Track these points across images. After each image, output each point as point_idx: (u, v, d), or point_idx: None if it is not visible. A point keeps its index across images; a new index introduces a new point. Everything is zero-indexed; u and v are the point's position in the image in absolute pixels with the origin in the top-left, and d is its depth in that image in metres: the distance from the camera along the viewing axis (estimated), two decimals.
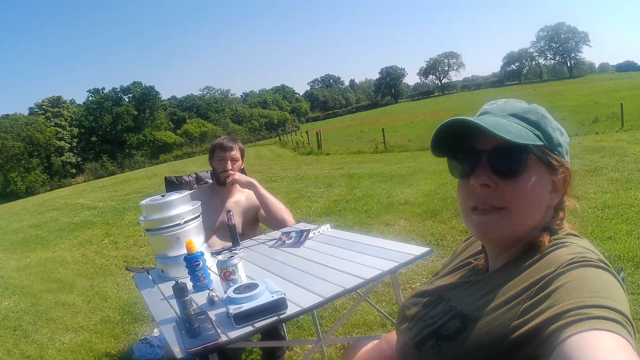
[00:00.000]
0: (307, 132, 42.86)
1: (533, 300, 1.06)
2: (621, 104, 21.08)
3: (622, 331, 0.90)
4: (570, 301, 0.98)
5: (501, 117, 1.26)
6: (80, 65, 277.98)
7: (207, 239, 3.37)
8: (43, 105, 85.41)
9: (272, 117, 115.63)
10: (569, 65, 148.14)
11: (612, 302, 0.96)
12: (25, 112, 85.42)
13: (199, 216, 3.05)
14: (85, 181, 65.51)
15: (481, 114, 1.33)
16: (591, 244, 1.24)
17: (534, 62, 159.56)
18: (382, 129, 29.82)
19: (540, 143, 1.21)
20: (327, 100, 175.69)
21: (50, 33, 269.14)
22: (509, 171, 1.21)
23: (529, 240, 1.25)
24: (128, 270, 4.66)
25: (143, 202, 2.99)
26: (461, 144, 1.29)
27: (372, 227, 7.75)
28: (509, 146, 1.17)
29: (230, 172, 3.86)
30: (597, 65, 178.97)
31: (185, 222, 2.91)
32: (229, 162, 3.87)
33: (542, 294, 1.05)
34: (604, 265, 1.10)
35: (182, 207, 2.94)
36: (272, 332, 3.69)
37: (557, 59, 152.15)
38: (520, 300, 1.10)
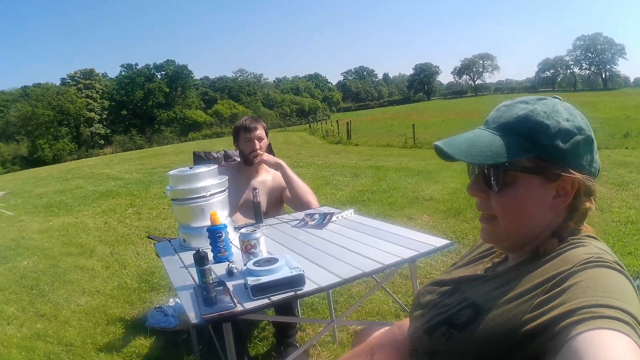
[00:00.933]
0: (337, 121, 42.91)
1: (547, 295, 1.07)
2: None
3: (633, 334, 0.90)
4: (583, 299, 0.98)
5: (489, 130, 1.27)
6: (114, 40, 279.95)
7: (231, 215, 3.38)
8: (75, 76, 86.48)
9: (303, 104, 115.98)
10: (603, 76, 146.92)
11: (625, 304, 0.96)
12: (57, 82, 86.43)
13: (224, 190, 3.08)
14: (112, 153, 66.06)
15: (487, 120, 1.34)
16: (608, 246, 1.24)
17: (568, 71, 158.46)
18: (413, 124, 29.78)
19: (527, 155, 1.21)
20: (360, 92, 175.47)
21: (86, 5, 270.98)
22: (495, 185, 1.25)
23: (538, 245, 1.26)
24: (149, 238, 4.70)
25: (171, 172, 3.03)
26: None
27: (395, 219, 7.72)
28: (489, 163, 1.22)
29: (258, 152, 3.88)
30: (632, 79, 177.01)
31: (210, 195, 2.94)
32: (255, 141, 3.88)
33: (557, 289, 1.06)
34: (619, 267, 1.11)
35: (209, 180, 2.97)
36: (286, 310, 3.72)
37: (592, 70, 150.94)
38: (534, 295, 1.11)
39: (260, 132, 3.91)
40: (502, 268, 1.39)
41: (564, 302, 1.00)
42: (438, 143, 1.25)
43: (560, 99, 1.30)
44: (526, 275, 1.19)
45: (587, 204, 1.26)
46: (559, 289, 1.06)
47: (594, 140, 1.25)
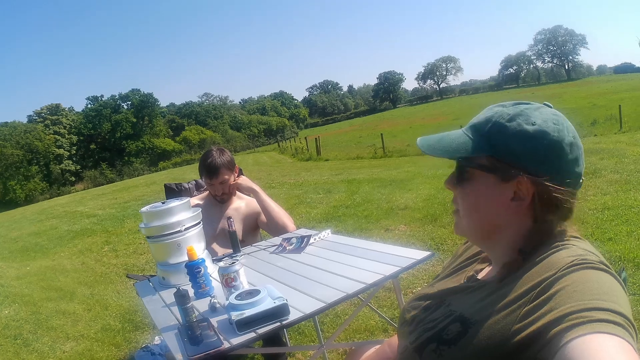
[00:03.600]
0: (305, 138, 42.96)
1: (534, 303, 1.07)
2: (619, 105, 21.16)
3: (624, 334, 0.90)
4: (571, 304, 0.98)
5: (463, 130, 1.34)
6: (78, 73, 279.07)
7: (207, 246, 3.34)
8: (42, 113, 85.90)
9: (270, 124, 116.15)
10: (566, 68, 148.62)
11: (614, 305, 0.96)
12: (24, 120, 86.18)
13: (199, 223, 3.04)
14: (84, 189, 65.70)
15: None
16: (592, 246, 1.24)
17: (532, 66, 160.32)
18: (381, 134, 29.95)
19: (482, 154, 1.26)
20: (326, 106, 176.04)
21: (48, 40, 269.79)
22: (457, 179, 1.36)
23: (507, 262, 1.27)
24: (129, 277, 4.66)
25: (143, 209, 2.98)
26: None
27: (372, 232, 7.74)
28: (456, 158, 1.33)
29: (224, 194, 3.86)
30: (595, 68, 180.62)
31: (186, 229, 2.90)
32: (217, 186, 3.82)
33: (543, 297, 1.06)
34: (604, 267, 1.11)
35: (183, 213, 2.93)
36: (273, 339, 3.68)
37: (555, 62, 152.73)
38: (521, 304, 1.10)
39: (222, 177, 3.78)
40: (485, 277, 1.39)
41: (552, 309, 1.00)
42: (418, 139, 1.38)
43: (549, 106, 1.30)
44: (510, 284, 1.19)
45: (549, 216, 1.24)
46: (546, 295, 1.05)
47: (567, 149, 1.21)
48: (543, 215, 1.24)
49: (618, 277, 1.10)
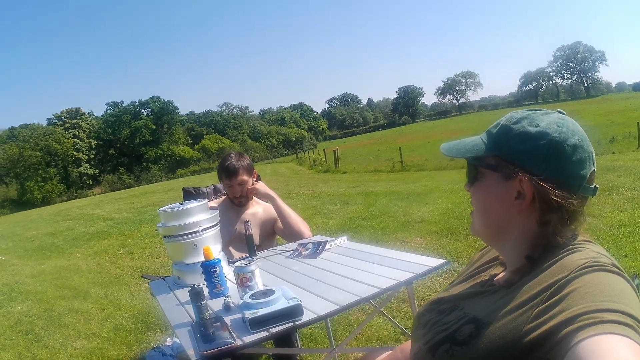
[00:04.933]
0: (324, 150, 43.03)
1: (546, 304, 1.08)
2: (638, 123, 21.07)
3: (635, 336, 0.91)
4: (583, 305, 0.99)
5: (481, 134, 1.39)
6: (99, 78, 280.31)
7: (223, 249, 3.34)
8: (62, 116, 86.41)
9: (289, 135, 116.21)
10: (585, 84, 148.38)
11: (625, 307, 0.97)
12: (44, 123, 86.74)
13: (216, 224, 3.05)
14: (101, 193, 66.16)
15: None
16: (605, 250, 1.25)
17: (551, 82, 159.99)
18: (399, 148, 29.93)
19: (488, 153, 1.31)
20: (345, 119, 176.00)
21: (71, 45, 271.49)
22: (471, 180, 1.40)
23: (517, 267, 1.29)
24: (143, 277, 4.68)
25: (162, 209, 3.00)
26: None
27: (388, 244, 7.72)
28: (468, 159, 1.39)
29: (242, 197, 3.86)
30: (613, 85, 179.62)
31: (203, 230, 2.91)
32: (236, 188, 3.83)
33: (555, 297, 1.07)
34: (617, 270, 1.12)
35: (201, 214, 2.94)
36: (285, 342, 3.68)
37: (574, 79, 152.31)
38: (533, 304, 1.11)
39: (241, 177, 3.80)
40: (499, 281, 1.39)
41: (564, 309, 1.01)
42: (441, 144, 1.44)
43: (561, 113, 1.32)
44: (523, 285, 1.20)
45: (549, 216, 1.24)
46: (558, 296, 1.06)
47: (569, 150, 1.22)
48: (544, 216, 1.25)
49: (630, 280, 1.11)
